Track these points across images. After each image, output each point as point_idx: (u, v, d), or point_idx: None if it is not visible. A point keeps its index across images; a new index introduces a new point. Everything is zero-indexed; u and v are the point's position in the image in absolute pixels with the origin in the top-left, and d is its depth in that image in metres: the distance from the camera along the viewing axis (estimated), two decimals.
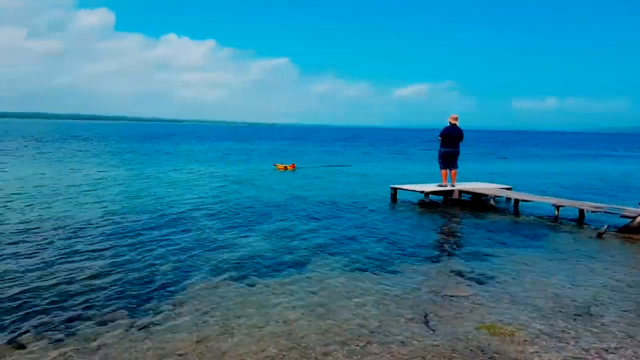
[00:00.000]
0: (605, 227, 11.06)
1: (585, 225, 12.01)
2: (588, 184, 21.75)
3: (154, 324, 5.66)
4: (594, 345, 5.32)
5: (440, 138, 15.08)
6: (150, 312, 6.03)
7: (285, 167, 24.93)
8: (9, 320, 5.65)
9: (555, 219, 12.60)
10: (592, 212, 12.36)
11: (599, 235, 10.78)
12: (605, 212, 12.20)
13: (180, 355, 4.92)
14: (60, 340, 5.22)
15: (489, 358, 4.95)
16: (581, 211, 12.59)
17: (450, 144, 14.98)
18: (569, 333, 5.62)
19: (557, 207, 12.80)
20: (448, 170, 15.29)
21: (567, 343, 5.36)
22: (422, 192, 14.87)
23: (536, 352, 5.11)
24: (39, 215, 11.52)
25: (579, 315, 6.16)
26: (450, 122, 14.99)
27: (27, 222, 10.74)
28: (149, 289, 6.81)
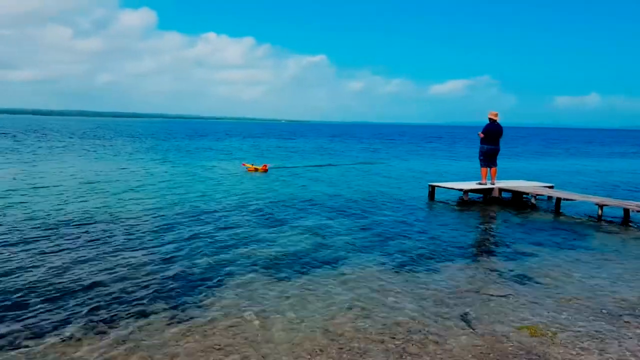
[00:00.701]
0: None
1: (630, 225, 11.68)
2: (633, 183, 21.12)
3: (194, 318, 5.76)
4: (638, 347, 5.18)
5: (482, 135, 14.84)
6: (190, 306, 6.14)
7: (256, 168, 22.30)
8: (54, 312, 5.84)
9: (599, 218, 12.28)
10: (638, 211, 12.01)
11: None
12: None
13: (218, 349, 5.00)
14: (103, 332, 5.37)
15: (530, 359, 4.88)
16: (626, 210, 12.25)
17: (493, 141, 14.77)
18: (612, 335, 5.48)
19: (601, 206, 12.47)
20: (488, 168, 15.07)
21: (610, 345, 5.23)
22: (460, 190, 14.69)
23: (578, 354, 5.01)
24: (85, 209, 11.83)
25: (623, 317, 6.01)
26: (491, 119, 14.77)
27: (71, 215, 11.06)
28: (188, 284, 6.93)
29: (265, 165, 22.75)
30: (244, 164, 23.37)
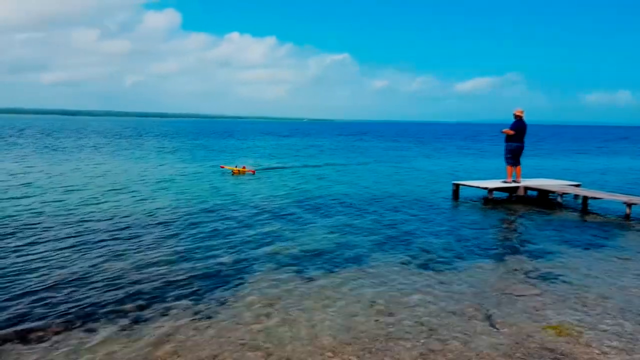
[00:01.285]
0: None
1: None
2: None
3: (217, 314, 5.83)
4: None
5: (513, 132, 14.67)
6: (214, 302, 6.22)
7: (239, 170, 20.20)
8: (80, 306, 5.97)
9: (627, 217, 12.06)
10: None
11: None
12: None
13: (242, 344, 5.06)
14: (128, 326, 5.48)
15: (555, 359, 4.83)
16: None
17: (520, 138, 14.65)
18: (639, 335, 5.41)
19: (629, 204, 12.24)
20: (514, 166, 14.92)
21: (637, 345, 5.15)
22: (485, 188, 14.55)
23: (604, 353, 4.95)
24: (114, 206, 12.06)
25: None
26: (518, 116, 14.64)
27: (105, 212, 11.28)
28: (213, 280, 7.02)
29: (245, 167, 20.74)
30: (222, 166, 21.36)
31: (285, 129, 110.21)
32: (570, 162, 31.27)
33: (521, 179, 15.11)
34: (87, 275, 7.08)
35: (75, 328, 5.40)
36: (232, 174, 19.70)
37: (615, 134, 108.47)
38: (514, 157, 14.82)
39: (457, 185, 15.33)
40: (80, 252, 8.28)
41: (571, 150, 45.79)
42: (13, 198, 13.20)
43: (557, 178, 17.63)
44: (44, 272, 7.17)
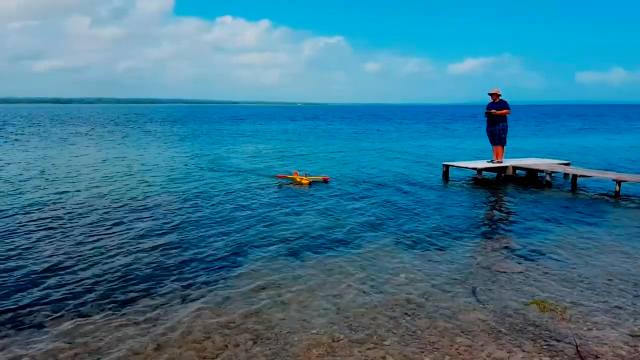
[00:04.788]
0: None
1: None
2: None
3: (209, 297, 5.88)
4: None
5: (509, 112, 14.68)
6: (205, 285, 6.27)
7: (302, 179, 14.13)
8: (75, 293, 6.01)
9: (616, 194, 12.14)
10: None
11: None
12: None
13: (234, 327, 5.11)
14: (120, 312, 5.52)
15: (539, 334, 4.90)
16: None
17: (504, 118, 14.67)
18: (626, 310, 5.48)
19: (619, 182, 12.32)
20: (503, 146, 14.99)
21: (624, 320, 5.23)
22: (474, 168, 14.61)
23: (589, 329, 5.02)
24: (111, 193, 12.06)
25: (638, 293, 5.98)
26: (499, 95, 14.65)
27: (95, 200, 11.28)
28: (203, 264, 7.06)
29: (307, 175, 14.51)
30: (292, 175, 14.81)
31: (289, 113, 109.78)
32: (560, 140, 31.35)
33: (504, 159, 15.21)
34: (78, 261, 7.10)
35: (65, 314, 5.44)
36: (294, 185, 13.97)
37: (606, 112, 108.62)
38: (505, 136, 14.87)
39: (447, 166, 15.40)
40: (71, 237, 8.30)
41: (561, 129, 45.87)
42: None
43: (547, 157, 17.71)
44: (38, 258, 7.19)
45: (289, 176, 14.82)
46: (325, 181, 14.40)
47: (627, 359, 4.45)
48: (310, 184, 13.87)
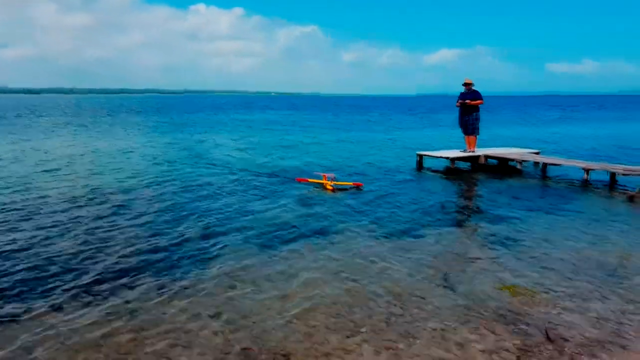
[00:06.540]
0: (638, 189, 10.87)
1: (616, 189, 11.81)
2: (621, 147, 21.23)
3: (184, 287, 5.85)
4: (621, 306, 5.31)
5: (482, 102, 14.83)
6: (179, 275, 6.22)
7: (327, 184, 11.89)
8: (45, 284, 5.91)
9: (585, 182, 12.41)
10: (624, 175, 12.10)
11: (630, 198, 10.62)
12: (638, 175, 11.95)
13: (209, 316, 5.09)
14: (91, 302, 5.46)
15: (510, 319, 5.00)
16: (612, 174, 12.37)
17: (476, 108, 14.83)
18: (594, 295, 5.61)
19: (587, 170, 12.59)
20: (476, 135, 15.18)
21: (592, 304, 5.36)
22: (447, 158, 14.77)
23: (559, 313, 5.14)
24: (77, 185, 11.85)
25: (606, 278, 6.13)
26: (472, 84, 14.80)
27: (70, 191, 11.09)
28: (179, 254, 7.01)
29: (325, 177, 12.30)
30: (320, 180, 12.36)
31: (267, 104, 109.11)
32: (530, 130, 31.86)
33: (476, 148, 15.40)
34: (42, 252, 6.99)
35: (34, 304, 5.35)
36: (324, 189, 11.74)
37: (576, 102, 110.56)
38: (478, 126, 15.03)
39: (421, 156, 15.53)
40: (46, 230, 8.15)
41: (532, 119, 46.58)
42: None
43: (517, 146, 17.98)
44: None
45: (316, 180, 12.25)
46: (358, 188, 11.87)
47: (594, 341, 4.57)
48: (334, 190, 11.52)
